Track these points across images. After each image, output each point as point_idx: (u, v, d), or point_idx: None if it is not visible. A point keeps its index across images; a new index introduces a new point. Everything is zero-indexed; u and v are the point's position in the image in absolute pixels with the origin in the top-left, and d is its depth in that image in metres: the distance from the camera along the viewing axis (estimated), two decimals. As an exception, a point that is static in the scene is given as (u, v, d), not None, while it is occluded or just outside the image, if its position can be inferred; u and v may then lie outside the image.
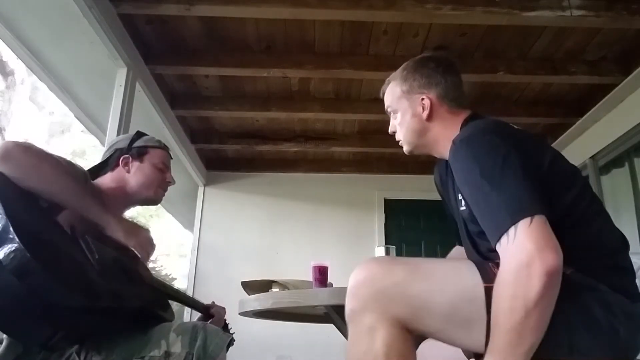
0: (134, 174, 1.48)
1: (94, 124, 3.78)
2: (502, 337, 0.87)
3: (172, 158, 1.63)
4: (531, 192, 0.93)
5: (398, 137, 1.36)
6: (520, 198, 0.92)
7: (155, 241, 1.28)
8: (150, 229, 1.30)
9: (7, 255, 0.90)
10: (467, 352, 1.16)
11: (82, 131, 5.17)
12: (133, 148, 1.51)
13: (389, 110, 1.37)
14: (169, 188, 1.59)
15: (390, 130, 1.39)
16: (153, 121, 3.38)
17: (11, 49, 2.86)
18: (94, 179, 1.45)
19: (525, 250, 0.86)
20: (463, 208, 1.15)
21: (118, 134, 2.66)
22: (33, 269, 0.91)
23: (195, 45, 2.99)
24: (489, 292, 0.91)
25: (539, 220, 0.89)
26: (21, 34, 2.74)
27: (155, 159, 1.53)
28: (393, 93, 1.34)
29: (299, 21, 2.75)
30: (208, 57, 3.04)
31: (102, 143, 3.17)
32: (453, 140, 1.10)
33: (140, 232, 1.25)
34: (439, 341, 1.00)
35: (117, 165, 1.48)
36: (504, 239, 0.90)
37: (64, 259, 1.03)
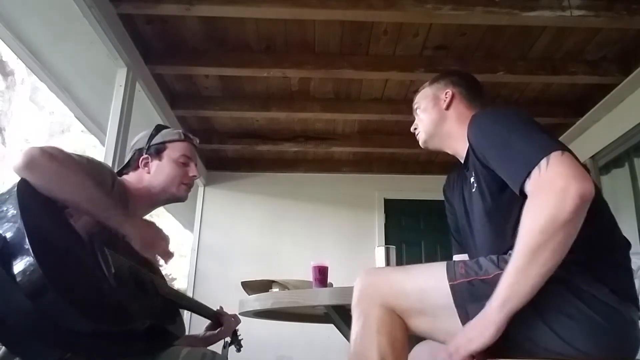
0: (154, 174, 1.45)
1: (94, 124, 3.78)
2: (520, 256, 0.91)
3: (196, 147, 1.57)
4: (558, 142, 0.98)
5: (417, 131, 1.47)
6: (548, 139, 0.98)
7: (172, 250, 1.27)
8: (169, 237, 1.28)
9: (22, 271, 0.88)
10: None
11: (82, 131, 5.15)
12: (151, 147, 1.48)
13: (415, 107, 1.49)
14: None
15: (412, 128, 1.50)
16: (153, 121, 3.35)
17: (11, 49, 2.85)
18: (121, 176, 1.45)
19: (561, 175, 0.90)
20: (474, 190, 1.19)
21: (118, 134, 2.67)
22: (46, 289, 0.89)
23: (195, 45, 2.99)
24: (454, 289, 1.01)
25: (569, 154, 0.93)
26: (21, 34, 2.74)
27: (175, 154, 1.48)
28: (423, 92, 1.49)
29: (299, 21, 2.75)
30: (208, 57, 3.04)
31: (102, 143, 3.17)
32: (472, 116, 1.19)
33: (158, 243, 1.24)
34: (424, 335, 1.10)
35: (138, 166, 1.47)
36: (534, 172, 0.93)
37: (78, 279, 1.01)
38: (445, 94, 1.40)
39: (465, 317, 0.99)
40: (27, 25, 2.69)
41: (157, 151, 1.48)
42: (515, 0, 2.47)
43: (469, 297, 1.00)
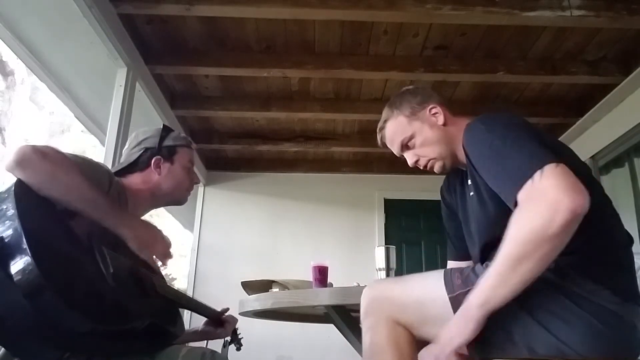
0: (165, 177, 1.44)
1: (94, 124, 3.78)
2: (503, 262, 0.91)
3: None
4: (552, 152, 0.95)
5: (423, 161, 1.32)
6: (543, 152, 0.95)
7: (172, 251, 1.27)
8: (169, 239, 1.27)
9: (20, 271, 0.88)
10: None
11: (82, 131, 5.16)
12: (163, 148, 1.46)
13: (404, 143, 1.33)
14: None
15: (411, 163, 1.34)
16: (153, 121, 3.38)
17: (11, 49, 2.85)
18: (123, 175, 1.42)
19: (554, 187, 0.87)
20: (472, 193, 1.18)
21: (118, 134, 2.66)
22: (44, 289, 0.88)
23: (195, 45, 2.99)
24: (453, 301, 1.03)
25: (564, 167, 0.90)
26: (21, 34, 2.74)
27: (184, 160, 1.49)
28: (399, 124, 1.33)
29: (299, 21, 2.75)
30: (208, 57, 3.04)
31: (102, 143, 3.17)
32: (467, 124, 1.14)
33: (156, 244, 1.23)
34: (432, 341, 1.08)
35: (148, 166, 1.44)
36: (527, 184, 0.90)
37: (76, 278, 1.01)
38: (431, 110, 1.31)
39: None
40: (27, 25, 2.69)
41: (170, 154, 1.47)
42: (515, 0, 2.47)
43: None
